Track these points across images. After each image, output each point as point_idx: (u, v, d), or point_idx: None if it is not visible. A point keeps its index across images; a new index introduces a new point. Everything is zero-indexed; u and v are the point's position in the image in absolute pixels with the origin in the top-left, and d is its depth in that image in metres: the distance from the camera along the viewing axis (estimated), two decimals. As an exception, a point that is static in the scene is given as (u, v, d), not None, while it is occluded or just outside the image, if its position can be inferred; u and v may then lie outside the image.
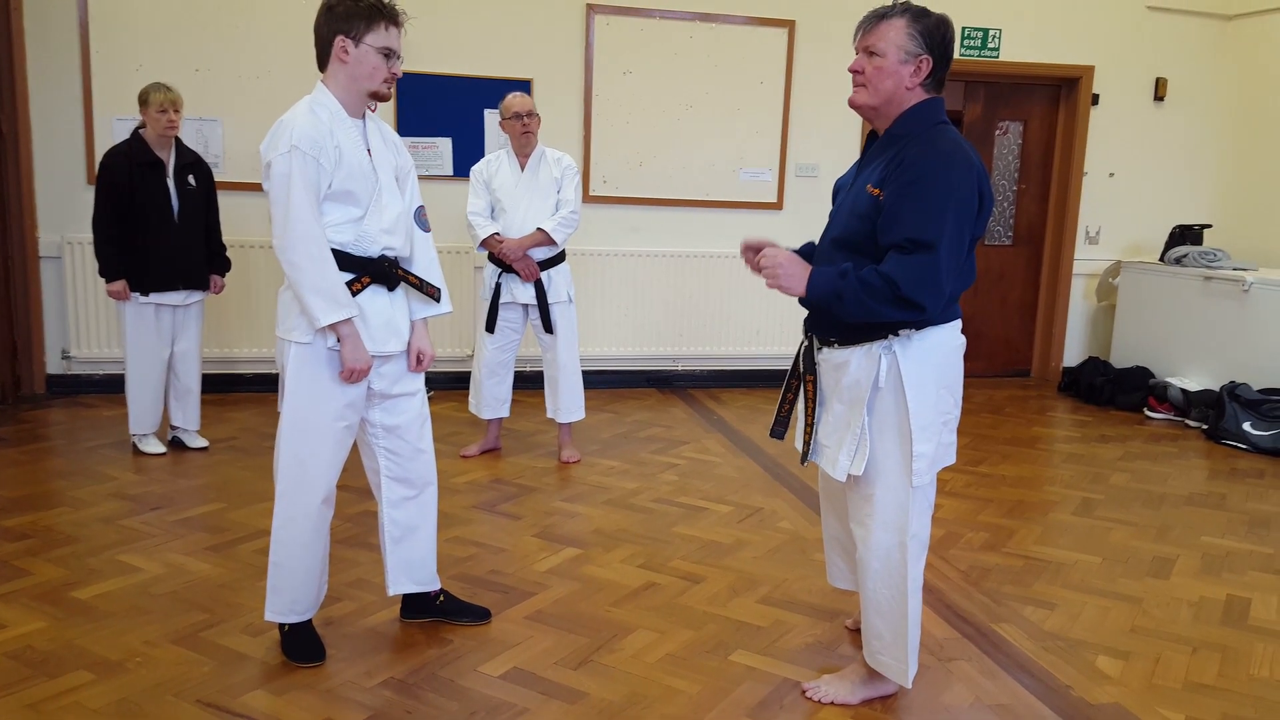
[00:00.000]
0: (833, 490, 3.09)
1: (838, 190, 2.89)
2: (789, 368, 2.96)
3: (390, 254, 2.98)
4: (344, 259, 2.86)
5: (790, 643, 3.23)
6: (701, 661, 3.08)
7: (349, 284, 2.85)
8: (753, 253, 2.74)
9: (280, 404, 2.97)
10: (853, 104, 2.70)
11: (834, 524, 3.17)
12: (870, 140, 2.79)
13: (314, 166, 2.77)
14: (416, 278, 3.06)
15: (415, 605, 3.29)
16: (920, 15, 2.60)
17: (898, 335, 2.61)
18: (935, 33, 2.59)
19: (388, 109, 6.34)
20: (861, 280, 2.50)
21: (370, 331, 2.92)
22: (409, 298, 3.09)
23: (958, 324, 2.71)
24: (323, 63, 2.90)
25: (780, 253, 2.68)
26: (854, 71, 2.66)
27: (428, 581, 3.25)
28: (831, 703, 2.85)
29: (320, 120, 2.82)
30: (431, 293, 3.09)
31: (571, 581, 3.65)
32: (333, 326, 2.80)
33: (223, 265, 5.19)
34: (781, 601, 3.54)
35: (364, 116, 2.96)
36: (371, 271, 2.93)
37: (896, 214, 2.51)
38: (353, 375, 2.87)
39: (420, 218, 3.11)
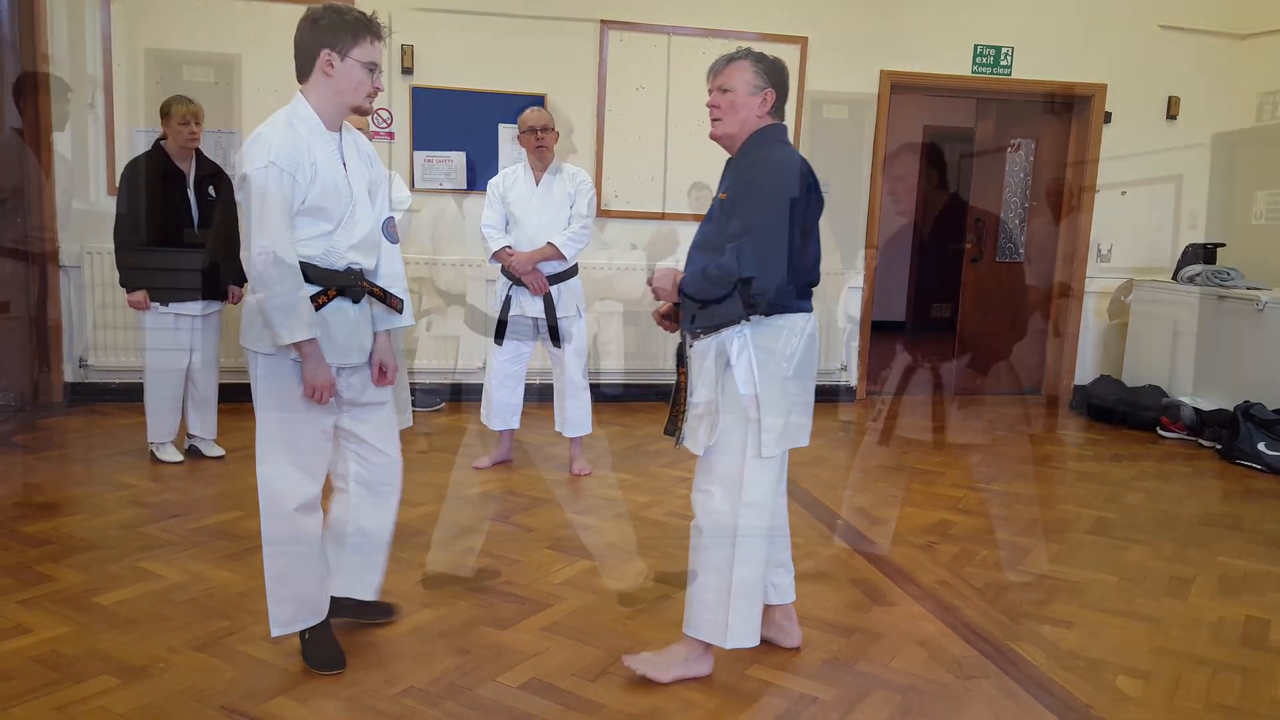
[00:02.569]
0: None
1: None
2: None
3: (356, 267, 2.96)
4: (310, 271, 2.85)
5: (806, 658, 3.23)
6: (719, 676, 3.08)
7: (315, 297, 2.84)
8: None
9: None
10: (713, 135, 3.04)
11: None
12: (727, 166, 3.11)
13: (290, 183, 2.75)
14: (381, 289, 3.06)
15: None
16: (760, 58, 2.98)
17: (749, 320, 2.92)
18: (775, 70, 2.98)
19: (403, 124, 6.38)
20: (704, 273, 2.91)
21: (334, 344, 2.91)
22: (373, 309, 3.07)
23: (808, 315, 3.02)
24: (303, 74, 2.87)
25: (660, 270, 3.09)
26: (712, 107, 2.99)
27: (373, 590, 3.25)
28: (644, 676, 3.00)
29: (299, 135, 2.80)
30: (395, 304, 3.09)
31: (586, 593, 3.66)
32: (294, 344, 2.80)
33: (241, 276, 5.21)
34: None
35: (340, 129, 2.94)
36: (337, 284, 2.92)
37: (732, 213, 2.89)
38: (314, 393, 2.86)
39: (389, 230, 3.09)
